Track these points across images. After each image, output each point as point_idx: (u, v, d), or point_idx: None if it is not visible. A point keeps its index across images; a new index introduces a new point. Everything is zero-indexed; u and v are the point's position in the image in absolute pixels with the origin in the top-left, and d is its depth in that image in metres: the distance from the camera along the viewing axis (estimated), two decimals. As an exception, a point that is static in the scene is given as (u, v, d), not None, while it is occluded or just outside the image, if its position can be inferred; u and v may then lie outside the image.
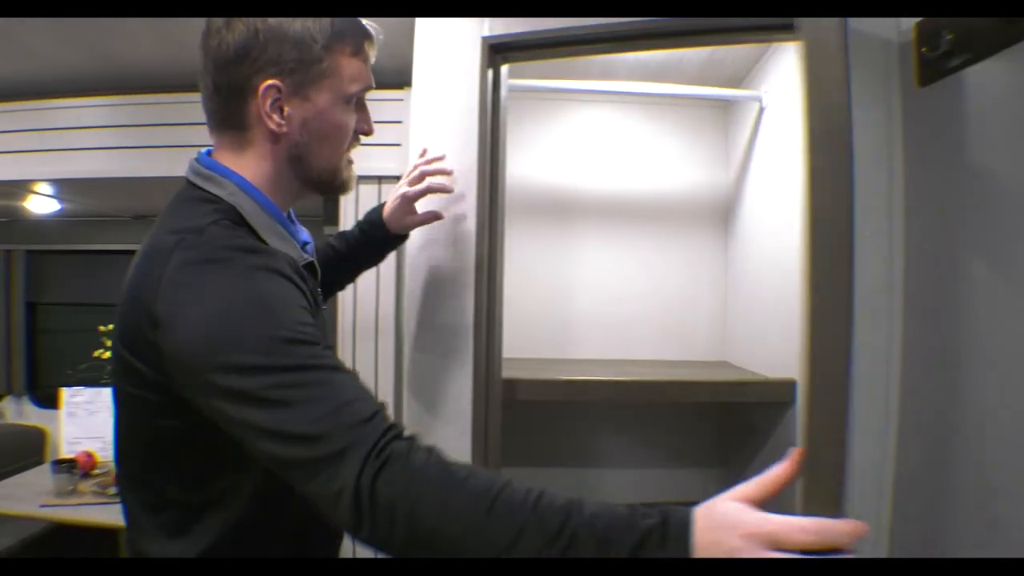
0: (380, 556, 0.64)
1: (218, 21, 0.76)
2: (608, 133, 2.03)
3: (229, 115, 0.78)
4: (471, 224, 1.24)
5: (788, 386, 1.45)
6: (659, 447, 1.91)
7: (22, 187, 2.49)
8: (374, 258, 1.22)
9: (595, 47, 1.22)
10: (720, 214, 2.02)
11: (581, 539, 0.58)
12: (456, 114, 1.26)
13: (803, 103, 0.72)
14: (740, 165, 1.93)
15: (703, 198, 2.03)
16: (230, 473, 0.76)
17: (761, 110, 1.75)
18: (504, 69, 1.29)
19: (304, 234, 0.90)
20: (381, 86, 1.85)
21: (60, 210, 2.76)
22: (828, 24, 0.71)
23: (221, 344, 0.65)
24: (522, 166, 1.96)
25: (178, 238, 0.70)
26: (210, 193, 0.77)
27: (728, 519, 0.58)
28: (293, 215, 0.90)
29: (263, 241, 0.77)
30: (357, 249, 1.18)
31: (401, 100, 1.84)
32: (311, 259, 0.85)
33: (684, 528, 0.58)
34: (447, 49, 1.28)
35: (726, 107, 2.03)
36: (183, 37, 1.68)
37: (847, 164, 0.70)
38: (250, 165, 0.80)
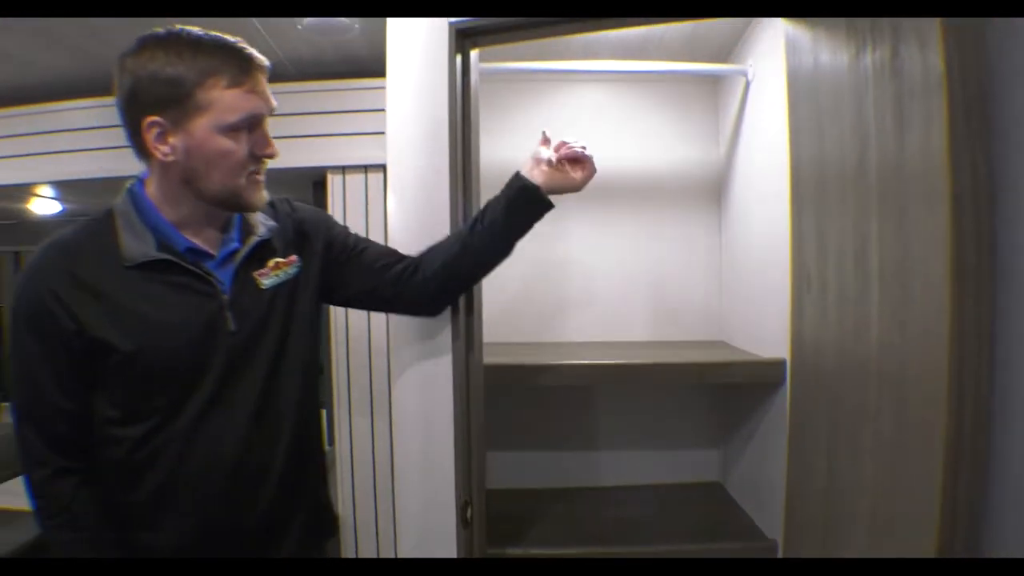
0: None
1: (116, 67, 0.89)
2: (594, 113, 2.00)
3: (135, 146, 0.92)
4: (444, 213, 1.23)
5: (778, 366, 1.43)
6: (655, 429, 1.90)
7: (24, 190, 2.53)
8: (515, 229, 1.14)
9: (561, 27, 1.21)
10: (712, 191, 1.99)
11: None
12: (427, 101, 1.25)
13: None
14: (730, 141, 1.89)
15: (694, 175, 2.00)
16: None
17: (747, 84, 1.72)
18: (474, 54, 1.28)
19: (189, 242, 0.95)
20: (363, 75, 1.88)
21: (63, 211, 2.80)
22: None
23: None
24: (510, 150, 1.94)
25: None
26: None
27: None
28: (237, 223, 1.01)
29: (117, 235, 0.92)
30: (498, 228, 1.12)
31: (383, 88, 1.83)
32: (163, 257, 0.92)
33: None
34: (417, 37, 1.26)
35: (714, 82, 1.99)
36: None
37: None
38: (152, 185, 0.95)
